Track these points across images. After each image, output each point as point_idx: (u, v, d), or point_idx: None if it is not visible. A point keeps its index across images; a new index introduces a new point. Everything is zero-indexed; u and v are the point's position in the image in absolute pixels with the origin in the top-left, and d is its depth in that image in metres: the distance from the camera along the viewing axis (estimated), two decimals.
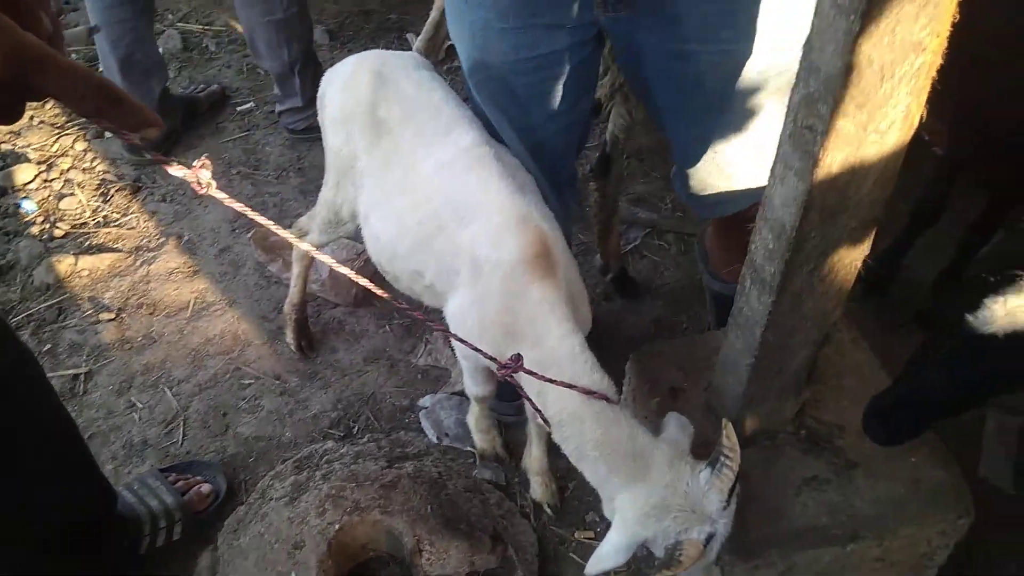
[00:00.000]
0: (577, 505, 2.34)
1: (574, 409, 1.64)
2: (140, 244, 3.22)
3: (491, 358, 1.45)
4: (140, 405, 2.65)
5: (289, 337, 2.76)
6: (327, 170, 2.30)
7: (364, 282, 1.25)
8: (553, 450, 2.38)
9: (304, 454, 2.39)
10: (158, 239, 3.24)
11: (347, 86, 2.14)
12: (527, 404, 1.70)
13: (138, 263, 3.14)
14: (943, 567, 2.03)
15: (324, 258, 1.20)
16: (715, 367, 2.04)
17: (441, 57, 4.11)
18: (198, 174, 1.11)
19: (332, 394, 2.66)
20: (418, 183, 1.98)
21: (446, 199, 1.91)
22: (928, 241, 2.88)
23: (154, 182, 3.50)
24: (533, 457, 2.32)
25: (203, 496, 2.32)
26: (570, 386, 1.59)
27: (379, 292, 1.26)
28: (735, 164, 1.99)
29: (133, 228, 3.29)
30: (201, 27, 4.47)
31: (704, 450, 1.69)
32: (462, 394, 2.49)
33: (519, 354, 1.44)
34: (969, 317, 1.58)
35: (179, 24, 4.48)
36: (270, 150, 3.66)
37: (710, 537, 1.54)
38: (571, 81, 1.93)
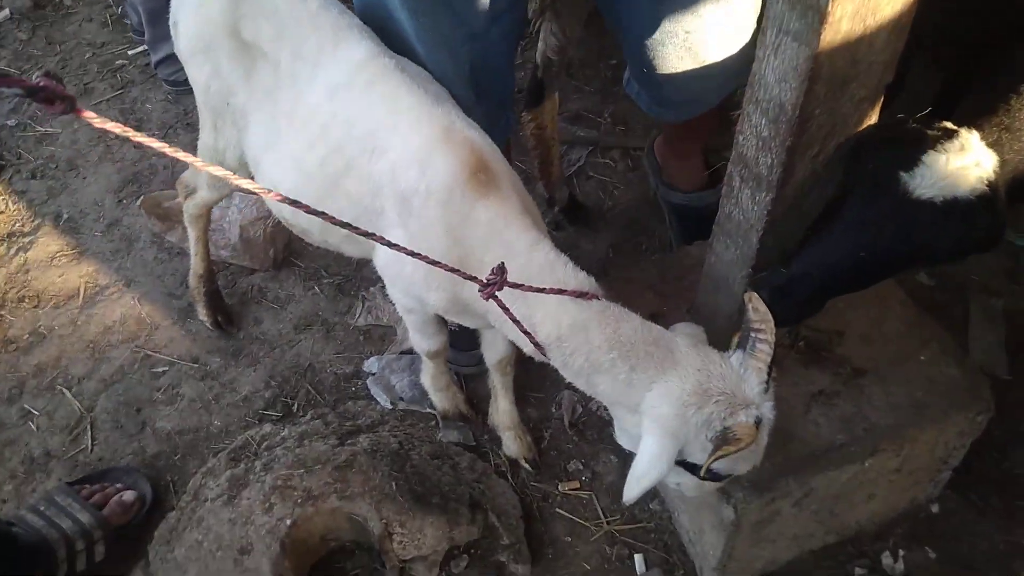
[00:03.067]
0: (556, 455, 2.12)
1: (573, 318, 1.42)
2: (12, 230, 2.80)
3: (471, 277, 1.20)
4: (36, 412, 2.30)
5: (202, 313, 2.42)
6: (200, 111, 1.95)
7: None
8: (522, 400, 2.17)
9: (239, 443, 2.08)
10: (32, 221, 2.82)
11: (200, 6, 1.78)
12: (507, 331, 1.48)
13: (12, 251, 2.72)
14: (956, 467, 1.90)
15: (245, 183, 0.91)
16: (698, 285, 1.82)
17: None
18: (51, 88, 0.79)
19: (263, 371, 2.34)
20: (310, 115, 1.67)
21: (348, 129, 1.62)
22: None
23: (19, 157, 3.03)
24: (501, 411, 2.08)
25: (126, 506, 2.01)
26: (560, 291, 1.38)
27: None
28: (710, 44, 1.73)
29: (1, 212, 2.84)
30: None
31: None
32: (412, 352, 2.20)
33: (501, 265, 1.19)
34: (904, 175, 1.29)
35: None
36: (151, 107, 3.22)
37: (758, 422, 1.33)
38: None
